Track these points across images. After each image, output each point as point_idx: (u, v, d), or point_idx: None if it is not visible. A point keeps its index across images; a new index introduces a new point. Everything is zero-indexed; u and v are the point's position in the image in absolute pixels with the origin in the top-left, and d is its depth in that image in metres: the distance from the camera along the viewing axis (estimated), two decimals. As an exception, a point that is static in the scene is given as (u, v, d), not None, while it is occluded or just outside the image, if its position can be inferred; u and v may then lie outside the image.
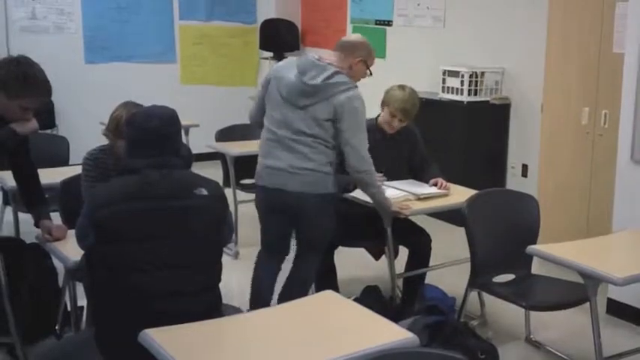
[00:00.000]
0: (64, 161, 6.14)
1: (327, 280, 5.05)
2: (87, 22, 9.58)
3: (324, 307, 3.21)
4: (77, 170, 4.32)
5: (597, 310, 3.91)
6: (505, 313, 5.09)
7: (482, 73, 7.34)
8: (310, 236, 4.66)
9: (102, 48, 9.73)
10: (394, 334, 2.89)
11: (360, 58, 4.62)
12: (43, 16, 9.33)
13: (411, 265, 5.17)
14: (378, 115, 5.22)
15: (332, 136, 4.43)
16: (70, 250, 3.60)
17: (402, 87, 5.17)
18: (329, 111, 4.37)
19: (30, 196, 4.16)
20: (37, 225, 4.06)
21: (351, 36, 5.40)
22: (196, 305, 3.09)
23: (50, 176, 4.29)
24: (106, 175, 4.09)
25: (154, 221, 3.09)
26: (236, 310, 3.49)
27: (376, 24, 9.11)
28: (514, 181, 7.37)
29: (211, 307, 3.20)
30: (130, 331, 2.80)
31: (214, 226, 3.25)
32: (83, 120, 8.75)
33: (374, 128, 5.05)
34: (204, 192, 3.19)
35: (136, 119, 3.29)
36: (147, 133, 3.21)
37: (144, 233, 3.07)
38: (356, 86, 4.47)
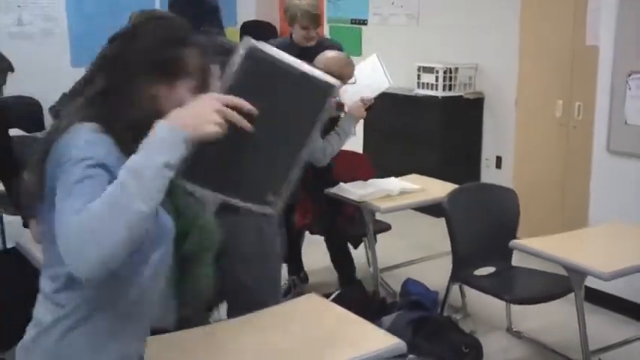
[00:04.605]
0: (50, 162, 5.92)
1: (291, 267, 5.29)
2: (73, 26, 9.22)
3: (308, 313, 2.88)
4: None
5: (583, 303, 3.66)
6: (486, 303, 4.81)
7: (456, 69, 7.12)
8: None
9: (88, 51, 9.31)
10: (380, 340, 2.58)
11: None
12: (29, 22, 8.99)
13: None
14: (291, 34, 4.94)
15: None
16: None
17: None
18: None
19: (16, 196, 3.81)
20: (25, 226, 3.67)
21: (326, 53, 4.56)
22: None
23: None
24: None
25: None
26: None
27: (352, 23, 8.84)
28: (488, 173, 7.15)
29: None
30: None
31: None
32: (70, 121, 8.44)
33: (291, 43, 4.84)
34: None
35: None
36: None
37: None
38: None
